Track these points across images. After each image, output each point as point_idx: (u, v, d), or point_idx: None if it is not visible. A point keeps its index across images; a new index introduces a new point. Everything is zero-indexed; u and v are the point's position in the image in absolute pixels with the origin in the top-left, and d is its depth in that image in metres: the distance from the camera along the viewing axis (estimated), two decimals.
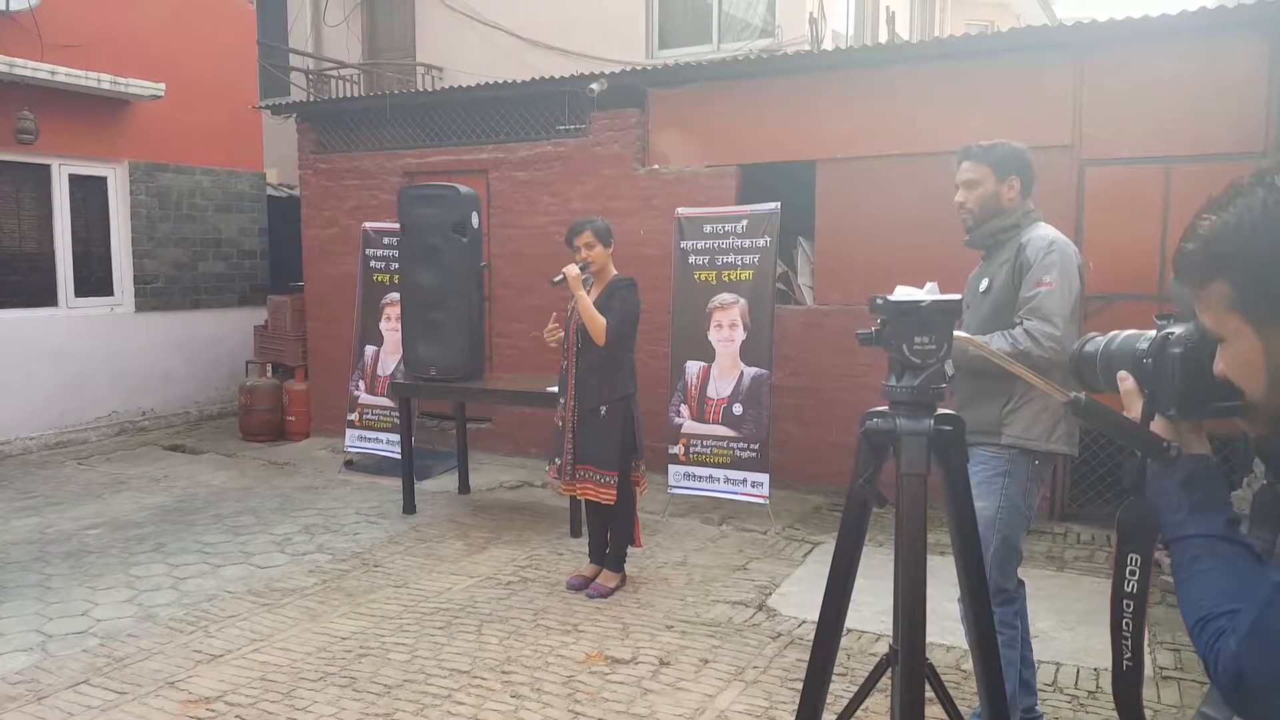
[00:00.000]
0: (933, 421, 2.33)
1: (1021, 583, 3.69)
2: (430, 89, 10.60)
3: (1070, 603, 5.28)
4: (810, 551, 6.17)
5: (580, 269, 5.35)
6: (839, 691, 3.79)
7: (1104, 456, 6.65)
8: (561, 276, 5.35)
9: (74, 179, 9.74)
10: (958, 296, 2.46)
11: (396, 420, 7.74)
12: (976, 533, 2.46)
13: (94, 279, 9.99)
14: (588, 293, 5.39)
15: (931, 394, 2.33)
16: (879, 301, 2.36)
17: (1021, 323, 3.40)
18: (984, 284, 3.63)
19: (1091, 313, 6.44)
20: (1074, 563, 5.98)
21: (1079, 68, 6.58)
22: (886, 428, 2.34)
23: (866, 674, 2.52)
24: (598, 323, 5.23)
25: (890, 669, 2.46)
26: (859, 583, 2.45)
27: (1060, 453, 3.57)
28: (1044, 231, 3.55)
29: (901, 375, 2.34)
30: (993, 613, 2.53)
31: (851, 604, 2.49)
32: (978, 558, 2.46)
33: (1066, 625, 4.97)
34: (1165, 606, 5.24)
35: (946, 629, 4.45)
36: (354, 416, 8.42)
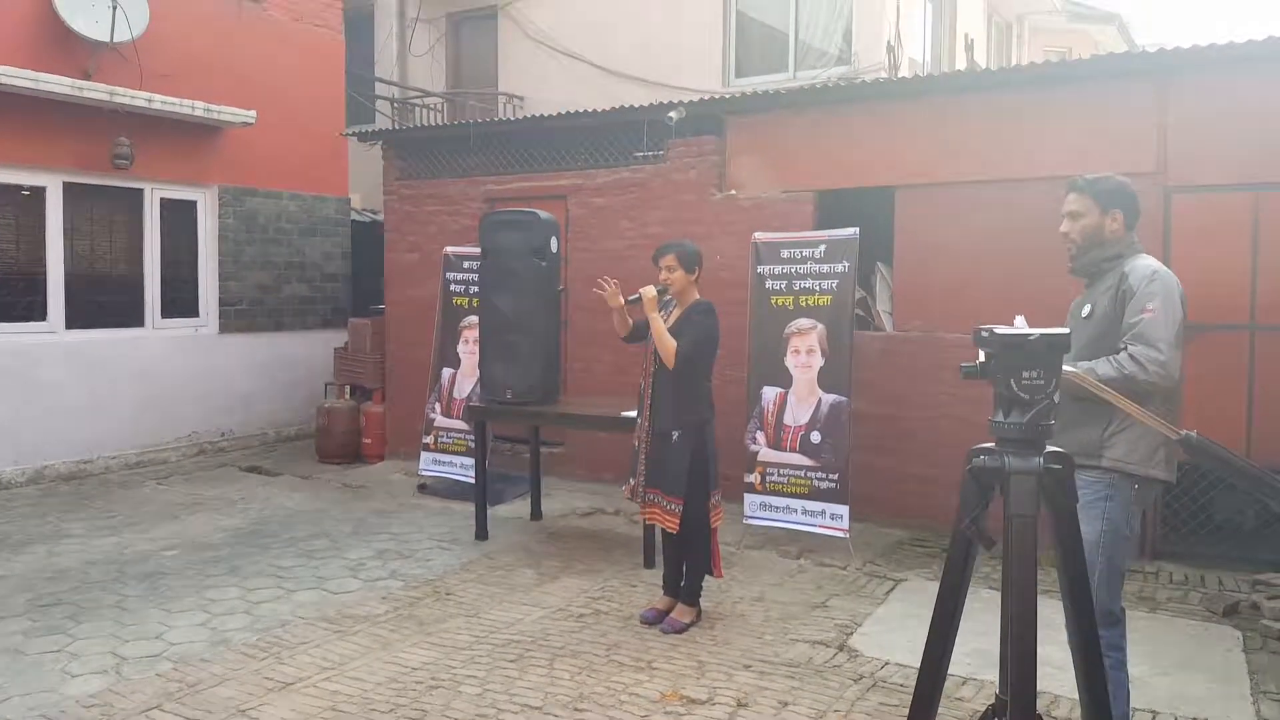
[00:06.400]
0: (1041, 460, 2.17)
1: (1123, 608, 3.66)
2: (512, 118, 10.60)
3: (1165, 646, 4.98)
4: (893, 589, 5.92)
5: (659, 291, 5.25)
6: None
7: (1196, 493, 6.31)
8: (637, 296, 5.26)
9: (165, 202, 9.89)
10: (1066, 331, 2.29)
11: (471, 444, 7.67)
12: (1086, 578, 2.32)
13: (180, 300, 10.11)
14: (669, 315, 5.29)
15: (1040, 431, 2.17)
16: (984, 334, 2.20)
17: (1126, 348, 3.42)
18: (1086, 309, 3.66)
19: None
20: (1167, 604, 5.65)
21: (1163, 94, 6.35)
22: (994, 466, 2.18)
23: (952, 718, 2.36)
24: (667, 345, 5.13)
25: (997, 719, 2.31)
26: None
27: (1159, 479, 3.56)
28: (1147, 261, 3.61)
29: (1009, 411, 2.18)
30: (1102, 658, 2.39)
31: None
32: (1088, 604, 2.30)
33: (1161, 670, 4.68)
34: (1267, 653, 4.93)
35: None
36: (429, 439, 8.38)
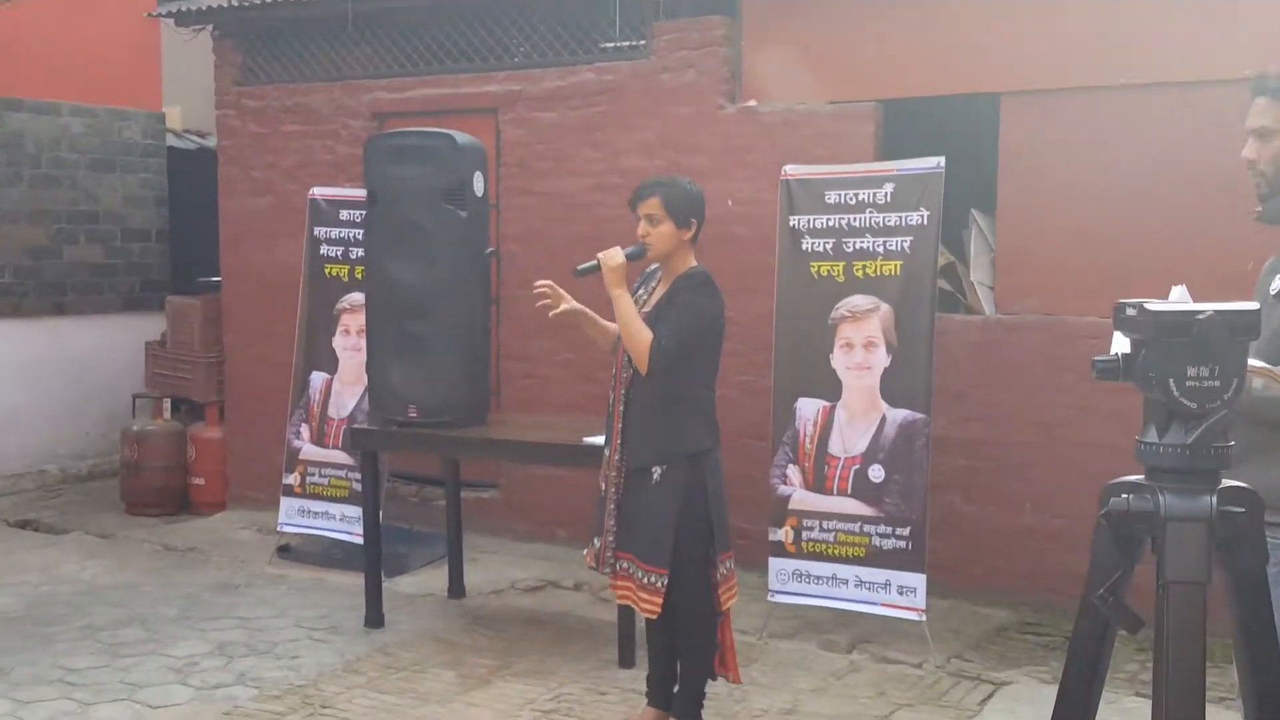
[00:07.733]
0: (1215, 500, 2.22)
1: None
2: None
3: None
4: (990, 697, 6.01)
5: (634, 254, 5.21)
6: None
7: None
8: (593, 263, 5.20)
9: None
10: (1255, 306, 2.33)
11: (356, 486, 7.71)
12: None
13: None
14: (650, 292, 5.31)
15: (1214, 457, 2.22)
16: (1131, 311, 2.25)
17: None
18: (1277, 283, 3.55)
19: None
20: None
21: None
22: (1144, 509, 2.23)
23: None
24: (639, 339, 5.05)
25: None
26: None
27: None
28: None
29: (1166, 428, 2.23)
30: None
31: None
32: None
33: None
34: None
35: None
36: (293, 479, 8.42)
